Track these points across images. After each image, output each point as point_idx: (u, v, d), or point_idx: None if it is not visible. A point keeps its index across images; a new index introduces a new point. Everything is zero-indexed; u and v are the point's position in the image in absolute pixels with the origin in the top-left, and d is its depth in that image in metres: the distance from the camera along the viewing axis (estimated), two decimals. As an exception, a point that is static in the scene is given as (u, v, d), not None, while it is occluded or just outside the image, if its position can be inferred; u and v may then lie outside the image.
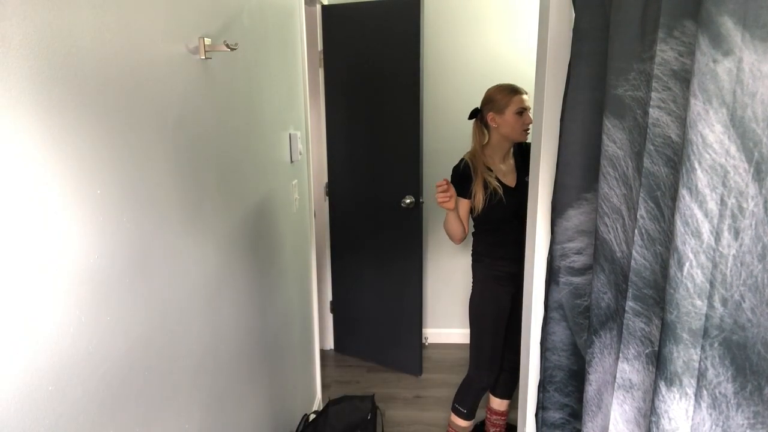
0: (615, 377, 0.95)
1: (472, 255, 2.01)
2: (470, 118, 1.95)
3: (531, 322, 1.39)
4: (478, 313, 1.97)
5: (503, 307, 1.94)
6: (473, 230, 2.00)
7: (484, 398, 2.25)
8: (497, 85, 1.90)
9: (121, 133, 0.79)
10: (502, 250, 1.93)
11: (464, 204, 1.88)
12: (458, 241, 1.91)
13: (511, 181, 1.91)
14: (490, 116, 1.86)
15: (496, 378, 2.16)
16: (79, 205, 0.70)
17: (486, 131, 1.93)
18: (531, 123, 1.83)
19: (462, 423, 2.08)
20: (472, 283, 2.01)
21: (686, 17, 0.75)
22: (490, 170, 1.88)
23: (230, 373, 1.29)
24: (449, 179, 1.87)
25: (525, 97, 1.84)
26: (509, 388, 2.15)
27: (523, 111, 1.83)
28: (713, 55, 0.67)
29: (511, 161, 1.96)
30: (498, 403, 2.18)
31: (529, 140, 1.91)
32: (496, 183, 1.85)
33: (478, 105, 1.95)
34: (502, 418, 2.19)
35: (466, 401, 2.06)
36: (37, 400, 0.62)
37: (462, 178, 1.87)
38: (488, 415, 2.23)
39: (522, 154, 1.97)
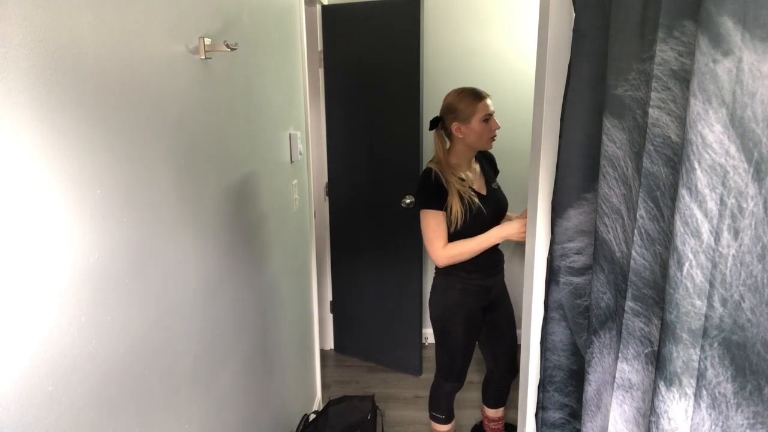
0: (614, 377, 0.95)
1: (443, 269, 1.81)
2: (431, 128, 1.79)
3: (531, 322, 1.39)
4: (450, 327, 1.85)
5: (477, 320, 1.85)
6: None
7: (476, 400, 2.25)
8: (458, 91, 1.74)
9: (120, 132, 0.79)
10: (476, 265, 1.78)
11: (444, 218, 1.72)
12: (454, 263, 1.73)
13: (480, 188, 1.78)
14: (454, 126, 1.71)
15: (485, 390, 2.14)
16: (79, 205, 0.70)
17: (448, 140, 1.77)
18: (498, 129, 1.73)
19: (443, 428, 2.05)
20: (435, 294, 1.86)
21: (686, 17, 0.75)
22: (462, 179, 1.72)
23: (230, 373, 1.29)
24: (416, 190, 1.72)
25: (489, 101, 1.71)
26: (501, 398, 2.13)
27: (489, 117, 1.70)
28: (713, 55, 0.67)
29: (477, 167, 1.82)
30: (493, 412, 2.17)
31: (491, 149, 1.80)
32: (471, 192, 1.71)
33: None
34: (500, 422, 2.20)
35: (440, 407, 2.02)
36: (37, 400, 0.62)
37: (437, 189, 1.69)
38: (485, 422, 2.22)
39: (487, 158, 1.89)
